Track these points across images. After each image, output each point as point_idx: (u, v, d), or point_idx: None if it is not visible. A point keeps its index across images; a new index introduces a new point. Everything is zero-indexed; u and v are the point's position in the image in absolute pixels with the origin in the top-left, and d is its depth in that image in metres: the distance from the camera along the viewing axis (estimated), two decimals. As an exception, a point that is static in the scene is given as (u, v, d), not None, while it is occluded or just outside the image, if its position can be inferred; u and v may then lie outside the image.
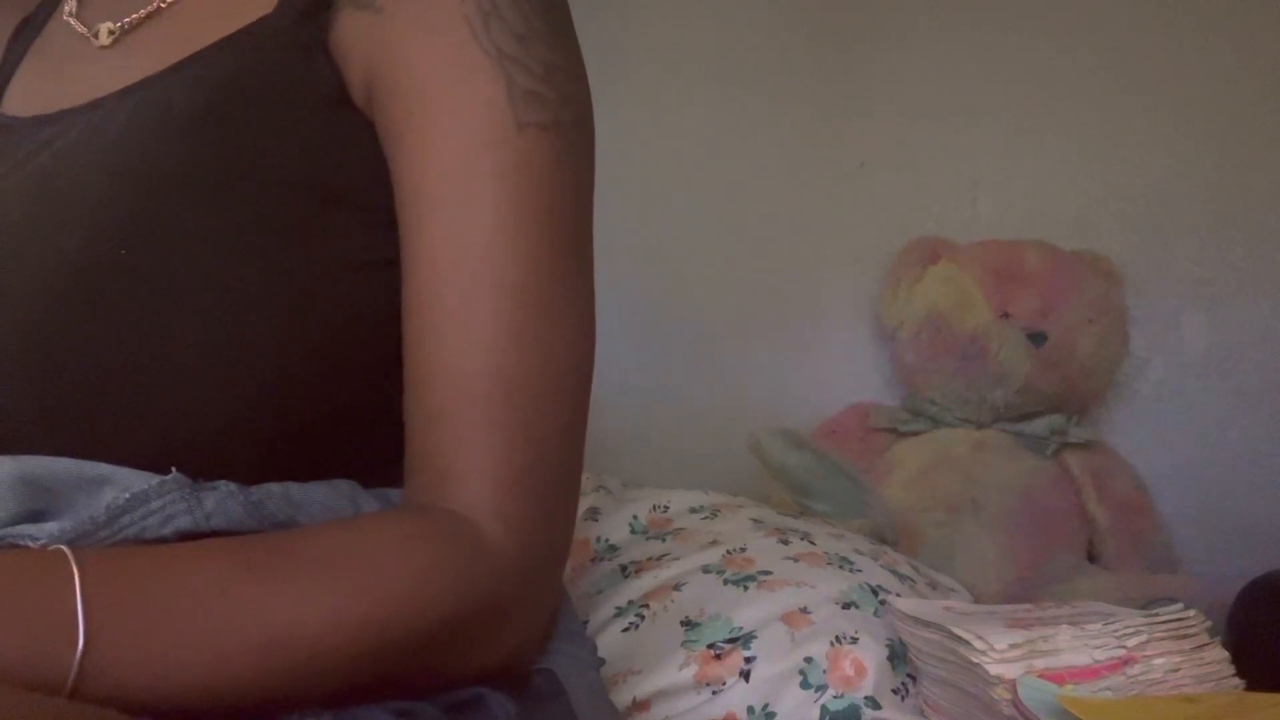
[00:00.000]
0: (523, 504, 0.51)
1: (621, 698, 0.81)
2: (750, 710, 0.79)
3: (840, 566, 0.92)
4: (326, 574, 0.45)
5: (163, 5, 0.63)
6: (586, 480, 1.08)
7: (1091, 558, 1.26)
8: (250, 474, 0.51)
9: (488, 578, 0.49)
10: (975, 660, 0.72)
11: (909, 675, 0.82)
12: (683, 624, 0.84)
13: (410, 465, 0.54)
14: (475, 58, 0.54)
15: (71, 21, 0.66)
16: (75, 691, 0.39)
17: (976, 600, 1.06)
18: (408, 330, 0.54)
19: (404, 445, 0.55)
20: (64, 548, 0.41)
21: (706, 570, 0.90)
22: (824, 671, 0.80)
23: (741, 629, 0.83)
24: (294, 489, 0.52)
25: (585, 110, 0.59)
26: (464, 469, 0.51)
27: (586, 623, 0.87)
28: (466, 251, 0.53)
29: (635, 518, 1.03)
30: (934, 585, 1.00)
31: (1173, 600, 0.83)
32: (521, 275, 0.53)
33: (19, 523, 0.48)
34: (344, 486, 0.55)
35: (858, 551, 0.96)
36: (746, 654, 0.81)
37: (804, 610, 0.84)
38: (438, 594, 0.47)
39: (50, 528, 0.47)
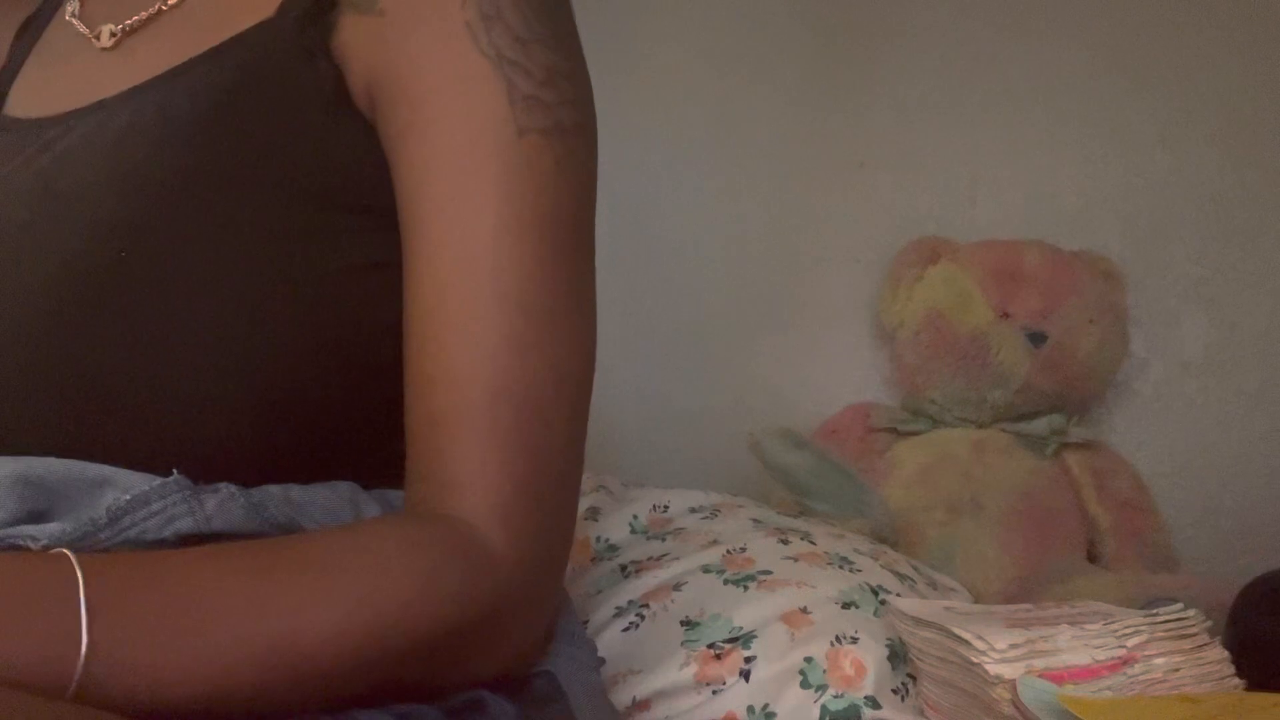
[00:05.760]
0: (523, 511, 0.51)
1: (621, 698, 0.81)
2: (750, 710, 0.79)
3: (840, 566, 0.92)
4: (329, 581, 0.45)
5: (164, 7, 0.63)
6: (586, 480, 1.08)
7: (1091, 558, 1.26)
8: (252, 475, 0.51)
9: (489, 585, 0.49)
10: (975, 660, 0.72)
11: (909, 675, 0.82)
12: (683, 624, 0.84)
13: (411, 472, 0.54)
14: (476, 63, 0.54)
15: (74, 22, 0.66)
16: (78, 696, 0.39)
17: (976, 600, 1.06)
18: (409, 337, 0.54)
19: (405, 449, 0.55)
20: (67, 552, 0.41)
21: (706, 570, 0.90)
22: (824, 671, 0.80)
23: (741, 629, 0.83)
24: (294, 491, 0.52)
25: (587, 114, 0.59)
26: (465, 476, 0.51)
27: (586, 623, 0.88)
28: (467, 259, 0.53)
29: (635, 518, 1.03)
30: (934, 585, 1.00)
31: (1173, 600, 0.83)
32: (522, 283, 0.53)
33: (19, 523, 0.48)
34: (344, 488, 0.55)
35: (858, 551, 0.96)
36: (746, 654, 0.81)
37: (804, 610, 0.84)
38: (440, 601, 0.47)
39: (51, 529, 0.47)
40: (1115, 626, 0.75)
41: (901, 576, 0.94)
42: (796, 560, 0.91)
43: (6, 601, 0.39)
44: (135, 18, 0.63)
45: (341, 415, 0.56)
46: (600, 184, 0.60)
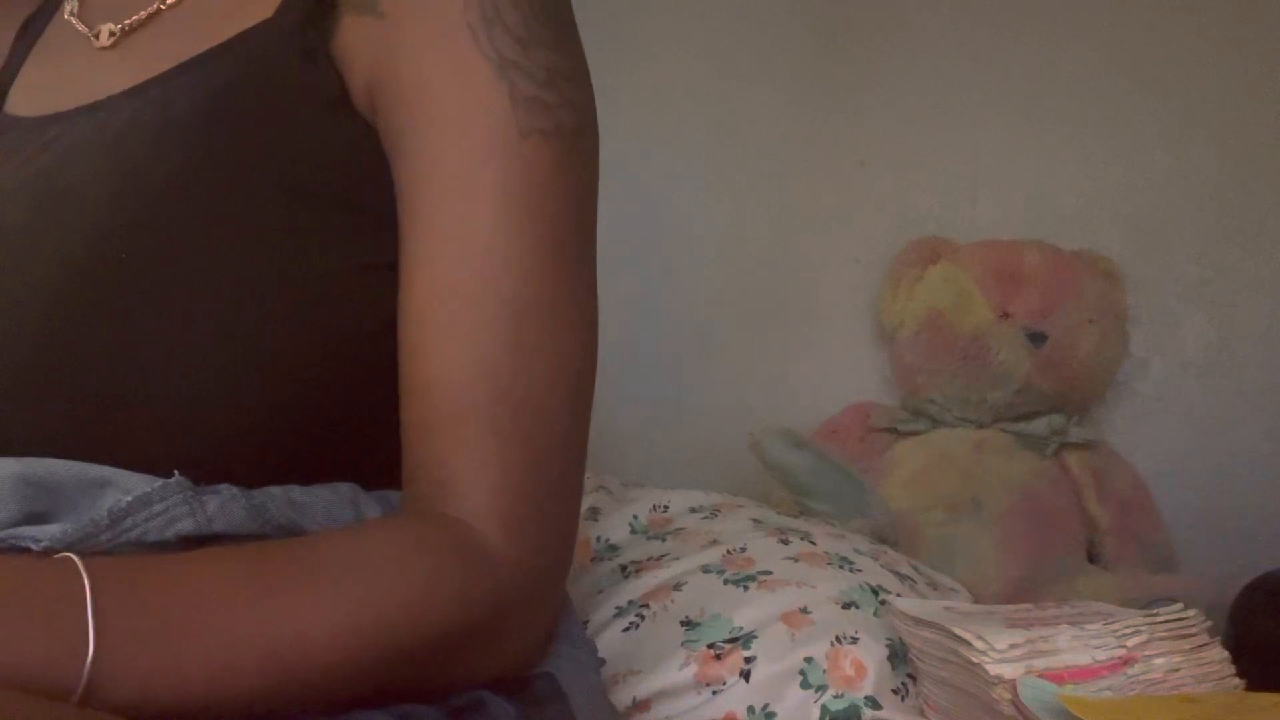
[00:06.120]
0: (524, 512, 0.51)
1: (621, 698, 0.81)
2: (750, 710, 0.79)
3: (840, 566, 0.92)
4: (331, 582, 0.45)
5: (163, 7, 0.63)
6: (586, 480, 1.08)
7: (1091, 558, 1.26)
8: (253, 476, 0.51)
9: (490, 586, 0.49)
10: (975, 660, 0.72)
11: (909, 675, 0.82)
12: (683, 624, 0.84)
13: (408, 474, 0.53)
14: (477, 64, 0.54)
15: (73, 21, 0.66)
16: (84, 700, 0.39)
17: (976, 600, 1.06)
18: (405, 339, 0.54)
19: None
20: (74, 556, 0.41)
21: (706, 570, 0.90)
22: (824, 671, 0.80)
23: (741, 629, 0.83)
24: (296, 492, 0.52)
25: (589, 115, 0.58)
26: (464, 478, 0.51)
27: (586, 623, 0.87)
28: (467, 260, 0.53)
29: (635, 518, 1.03)
30: (934, 585, 1.00)
31: (1173, 600, 0.83)
32: (522, 284, 0.53)
33: (21, 524, 0.48)
34: (345, 489, 0.55)
35: (858, 551, 0.96)
36: (746, 654, 0.81)
37: (804, 610, 0.84)
38: (441, 602, 0.47)
39: (52, 530, 0.47)
40: (1115, 626, 0.75)
41: (901, 576, 0.94)
42: (796, 560, 0.91)
43: (13, 605, 0.39)
44: (134, 17, 0.63)
45: (342, 415, 0.56)
46: (600, 184, 0.60)
